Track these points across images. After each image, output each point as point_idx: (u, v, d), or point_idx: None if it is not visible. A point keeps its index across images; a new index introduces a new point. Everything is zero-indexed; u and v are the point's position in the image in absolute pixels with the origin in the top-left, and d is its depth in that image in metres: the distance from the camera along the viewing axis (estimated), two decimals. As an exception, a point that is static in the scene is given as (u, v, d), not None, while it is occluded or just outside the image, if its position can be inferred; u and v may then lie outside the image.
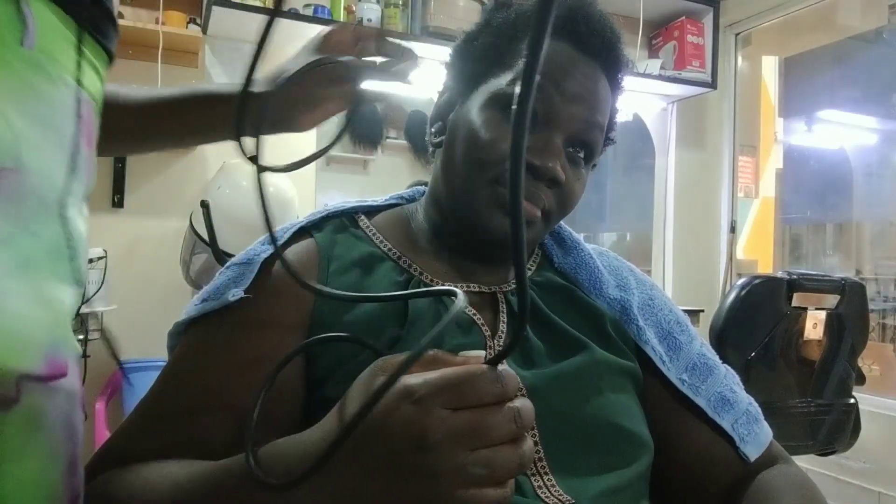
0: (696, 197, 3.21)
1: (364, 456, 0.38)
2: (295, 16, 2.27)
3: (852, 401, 1.91)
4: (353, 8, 2.38)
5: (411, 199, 0.75)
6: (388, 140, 3.24)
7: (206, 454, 0.50)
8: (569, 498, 0.55)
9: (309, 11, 2.31)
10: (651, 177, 3.28)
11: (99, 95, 0.47)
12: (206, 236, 2.02)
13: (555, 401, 0.59)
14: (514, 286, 0.69)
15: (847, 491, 2.46)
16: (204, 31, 2.31)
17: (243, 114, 0.51)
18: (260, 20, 2.22)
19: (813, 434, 1.85)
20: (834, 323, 1.83)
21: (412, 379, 0.39)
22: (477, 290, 0.66)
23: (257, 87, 0.63)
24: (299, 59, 0.65)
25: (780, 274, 1.82)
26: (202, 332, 0.59)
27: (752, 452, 0.66)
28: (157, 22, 2.21)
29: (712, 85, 2.94)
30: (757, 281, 1.77)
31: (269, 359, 0.55)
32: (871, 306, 2.00)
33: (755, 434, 0.67)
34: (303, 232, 0.67)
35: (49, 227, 0.41)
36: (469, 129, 0.62)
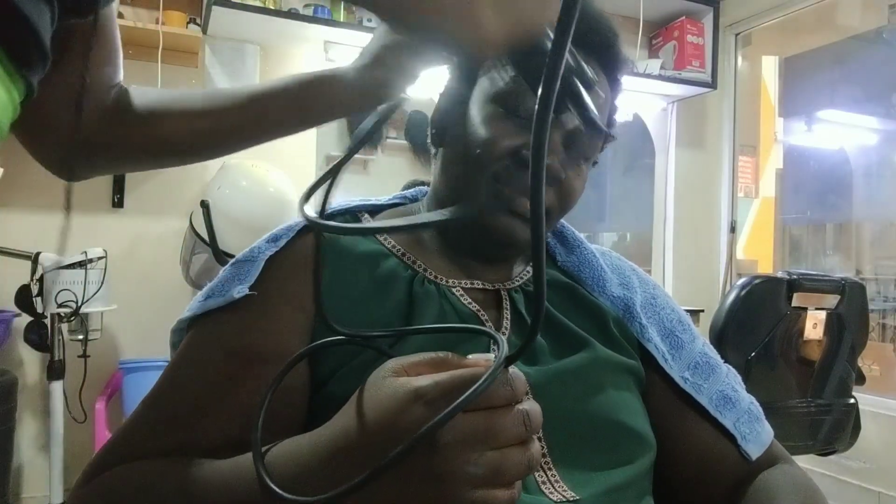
0: (696, 197, 3.21)
1: (374, 458, 0.38)
2: (295, 16, 2.27)
3: (852, 401, 1.91)
4: (353, 8, 2.38)
5: (414, 199, 0.75)
6: (388, 140, 3.25)
7: (210, 452, 0.50)
8: (572, 494, 0.55)
9: (309, 11, 2.31)
10: (651, 177, 3.28)
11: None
12: (206, 236, 2.02)
13: (558, 398, 0.59)
14: (517, 283, 0.69)
15: (847, 491, 2.46)
16: (204, 31, 2.31)
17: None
18: (260, 20, 2.22)
19: (813, 434, 1.85)
20: (834, 323, 1.83)
21: (422, 381, 0.39)
22: (481, 287, 0.67)
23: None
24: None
25: (780, 274, 1.82)
26: (206, 329, 0.59)
27: (754, 451, 0.66)
28: (157, 22, 2.21)
29: (712, 85, 2.94)
30: (757, 281, 1.77)
31: (274, 355, 0.55)
32: (871, 306, 2.00)
33: (757, 433, 0.68)
34: (307, 230, 0.67)
35: None
36: (469, 128, 0.62)
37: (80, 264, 1.92)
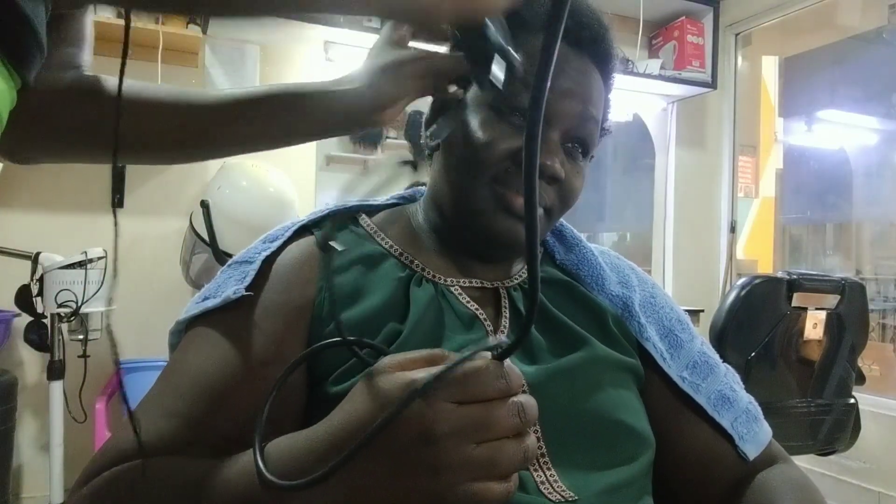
0: (696, 197, 3.21)
1: (370, 450, 0.39)
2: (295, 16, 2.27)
3: (852, 401, 1.91)
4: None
5: (411, 199, 0.75)
6: (387, 140, 3.24)
7: (208, 452, 0.50)
8: (571, 494, 0.55)
9: (309, 11, 2.31)
10: (651, 177, 3.28)
11: None
12: (206, 236, 2.02)
13: (556, 396, 0.59)
14: (515, 281, 0.69)
15: (847, 491, 2.46)
16: (204, 31, 2.31)
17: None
18: (260, 20, 2.22)
19: (813, 434, 1.85)
20: (834, 323, 1.83)
21: (418, 374, 0.40)
22: (479, 285, 0.67)
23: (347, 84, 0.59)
24: (375, 55, 0.62)
25: (780, 274, 1.82)
26: (203, 331, 0.59)
27: (751, 451, 0.66)
28: (157, 22, 2.21)
29: (712, 85, 2.94)
30: (757, 281, 1.77)
31: (272, 356, 0.55)
32: (871, 306, 2.00)
33: (754, 433, 0.68)
34: (304, 230, 0.67)
35: None
36: (466, 131, 0.62)
37: (80, 264, 1.92)
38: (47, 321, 1.92)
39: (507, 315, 0.65)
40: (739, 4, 3.05)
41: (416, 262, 0.66)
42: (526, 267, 0.72)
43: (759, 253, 3.49)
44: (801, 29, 3.35)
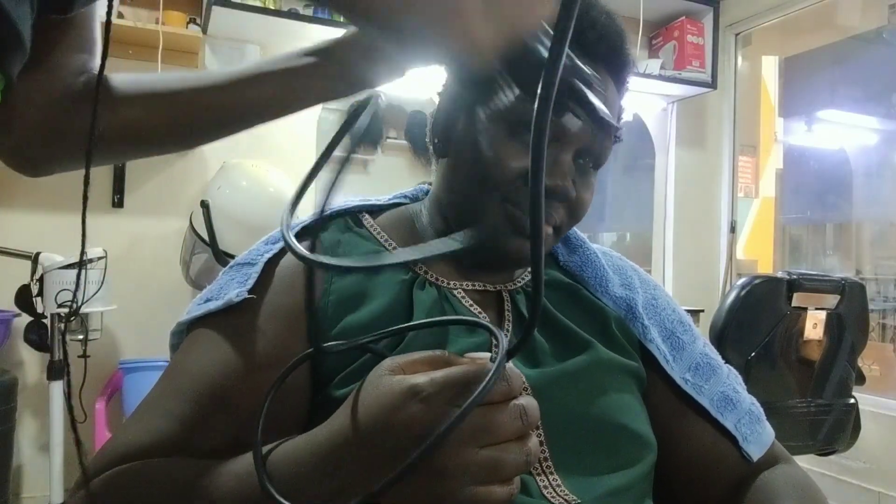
0: (696, 197, 3.21)
1: (371, 454, 0.39)
2: (295, 16, 2.27)
3: (852, 401, 1.91)
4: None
5: (414, 199, 0.75)
6: (388, 140, 3.24)
7: (209, 454, 0.50)
8: (574, 497, 0.55)
9: (309, 11, 2.31)
10: (651, 177, 3.28)
11: None
12: (206, 236, 2.02)
13: (559, 400, 0.59)
14: (518, 285, 0.69)
15: (847, 491, 2.46)
16: (204, 31, 2.31)
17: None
18: (260, 20, 2.22)
19: (813, 434, 1.85)
20: (834, 323, 1.83)
21: (419, 378, 0.39)
22: (482, 288, 0.66)
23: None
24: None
25: (780, 274, 1.82)
26: (205, 332, 0.59)
27: (755, 452, 0.66)
28: (157, 22, 2.21)
29: (712, 85, 2.94)
30: (757, 281, 1.77)
31: (274, 358, 0.55)
32: (871, 306, 2.00)
33: (758, 434, 0.68)
34: (307, 231, 0.66)
35: None
36: (475, 147, 0.61)
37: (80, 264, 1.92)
38: (47, 321, 1.92)
39: (510, 318, 0.65)
40: (739, 4, 3.05)
41: (418, 264, 0.65)
42: (528, 269, 0.72)
43: (759, 253, 3.49)
44: (801, 29, 3.35)
